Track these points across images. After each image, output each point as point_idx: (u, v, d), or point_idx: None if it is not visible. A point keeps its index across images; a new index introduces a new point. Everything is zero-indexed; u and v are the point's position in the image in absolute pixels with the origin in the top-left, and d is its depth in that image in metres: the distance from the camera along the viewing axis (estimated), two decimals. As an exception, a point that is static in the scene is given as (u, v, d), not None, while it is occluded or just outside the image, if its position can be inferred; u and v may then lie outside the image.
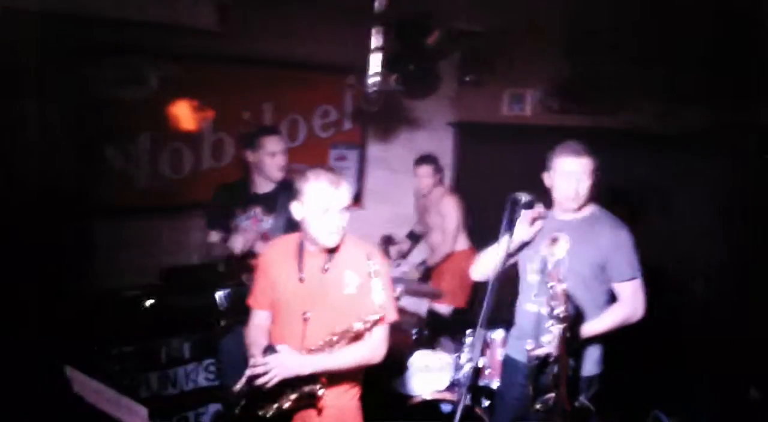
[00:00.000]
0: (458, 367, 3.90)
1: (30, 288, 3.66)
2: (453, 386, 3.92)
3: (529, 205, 2.76)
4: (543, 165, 3.05)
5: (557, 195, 3.00)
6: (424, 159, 5.12)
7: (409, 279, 4.90)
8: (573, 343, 2.76)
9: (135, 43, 4.31)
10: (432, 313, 4.99)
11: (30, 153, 3.92)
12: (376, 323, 2.56)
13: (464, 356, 3.80)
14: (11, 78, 3.79)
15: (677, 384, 4.21)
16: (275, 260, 2.77)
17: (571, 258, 2.83)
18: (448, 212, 4.99)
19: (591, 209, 3.05)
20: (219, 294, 3.72)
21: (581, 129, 4.61)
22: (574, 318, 2.75)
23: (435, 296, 4.91)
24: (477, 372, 3.78)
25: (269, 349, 2.53)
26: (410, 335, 4.29)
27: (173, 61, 4.53)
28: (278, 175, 3.75)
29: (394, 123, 5.79)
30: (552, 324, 2.58)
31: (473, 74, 5.75)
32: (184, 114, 4.66)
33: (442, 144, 6.16)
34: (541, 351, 2.67)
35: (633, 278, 2.96)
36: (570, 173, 2.93)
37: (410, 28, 4.68)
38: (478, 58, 5.76)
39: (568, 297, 2.57)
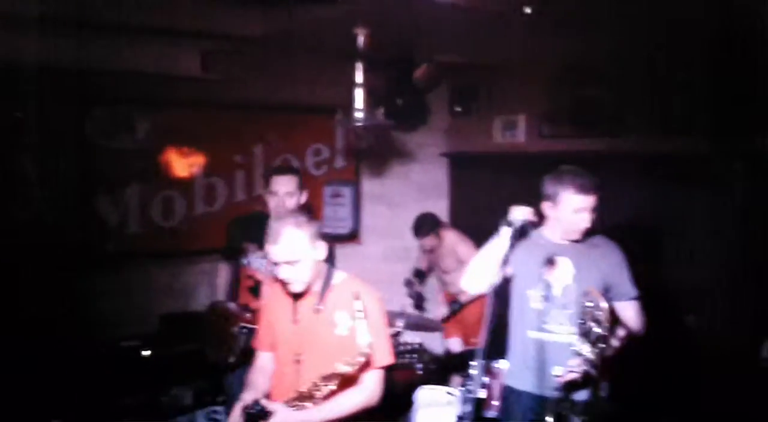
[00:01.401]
0: (466, 401, 3.81)
1: (27, 339, 3.64)
2: (461, 420, 3.83)
3: (523, 231, 2.74)
4: (538, 191, 3.01)
5: (564, 227, 2.93)
6: (423, 228, 4.86)
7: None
8: (612, 363, 2.69)
9: (123, 92, 4.36)
10: (446, 351, 4.87)
11: (27, 202, 3.94)
12: (365, 365, 2.49)
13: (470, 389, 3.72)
14: (8, 130, 3.85)
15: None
16: (274, 301, 2.74)
17: (576, 282, 2.84)
18: (469, 257, 4.81)
19: None
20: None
21: (574, 154, 4.58)
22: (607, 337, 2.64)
23: (437, 330, 4.82)
24: (479, 404, 3.69)
25: (255, 406, 2.47)
26: (415, 370, 4.21)
27: (162, 109, 4.58)
28: (276, 215, 3.57)
29: (387, 157, 5.81)
30: (583, 347, 2.52)
31: (462, 104, 5.78)
32: (174, 161, 4.68)
33: (437, 175, 6.16)
34: (572, 376, 2.62)
35: (636, 297, 2.96)
36: (579, 210, 2.86)
37: (397, 63, 4.72)
38: (467, 88, 5.80)
39: (610, 316, 2.53)
